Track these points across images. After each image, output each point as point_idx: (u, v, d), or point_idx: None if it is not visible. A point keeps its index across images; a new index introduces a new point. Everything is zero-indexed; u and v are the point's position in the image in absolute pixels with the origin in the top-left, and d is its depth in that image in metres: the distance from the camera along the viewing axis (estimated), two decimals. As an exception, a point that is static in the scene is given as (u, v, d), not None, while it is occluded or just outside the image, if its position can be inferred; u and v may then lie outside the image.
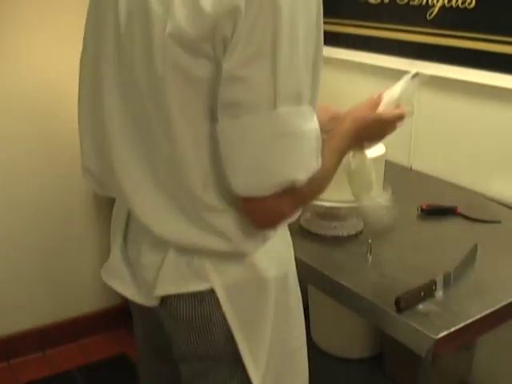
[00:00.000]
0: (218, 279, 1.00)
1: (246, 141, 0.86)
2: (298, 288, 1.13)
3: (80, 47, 1.11)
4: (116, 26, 0.97)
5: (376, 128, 1.18)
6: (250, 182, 0.89)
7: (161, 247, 1.02)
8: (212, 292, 1.01)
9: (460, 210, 1.63)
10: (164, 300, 1.05)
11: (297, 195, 0.92)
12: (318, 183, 0.96)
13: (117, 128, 1.01)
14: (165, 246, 1.02)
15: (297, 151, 0.88)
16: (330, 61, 2.24)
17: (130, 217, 1.12)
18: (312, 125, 0.90)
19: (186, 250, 1.00)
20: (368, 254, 1.36)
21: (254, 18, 0.82)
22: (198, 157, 0.93)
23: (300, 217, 1.53)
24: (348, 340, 2.23)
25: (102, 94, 1.03)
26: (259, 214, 0.93)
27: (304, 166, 0.89)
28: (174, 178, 0.96)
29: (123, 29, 0.95)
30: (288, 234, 1.12)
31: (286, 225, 1.08)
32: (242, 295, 1.02)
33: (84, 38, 1.12)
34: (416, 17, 1.86)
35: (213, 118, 0.90)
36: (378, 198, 1.31)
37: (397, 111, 1.21)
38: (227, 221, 0.96)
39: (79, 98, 1.14)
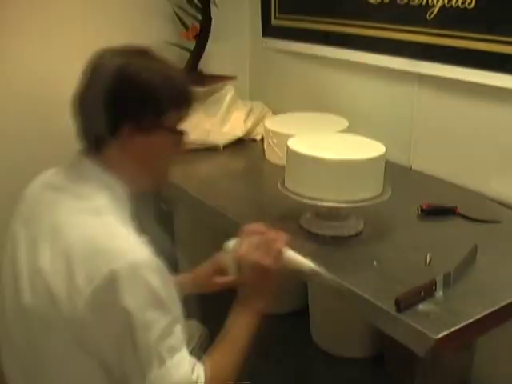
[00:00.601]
0: None
1: None
2: None
3: (80, 47, 1.11)
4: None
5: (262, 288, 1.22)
6: None
7: None
8: None
9: (460, 210, 1.63)
10: None
11: None
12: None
13: None
14: None
15: None
16: (330, 61, 2.24)
17: None
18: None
19: None
20: (374, 262, 1.35)
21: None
22: None
23: (300, 217, 1.54)
24: (348, 340, 2.23)
25: None
26: None
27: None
28: None
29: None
30: None
31: None
32: None
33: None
34: (416, 17, 1.86)
35: None
36: None
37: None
38: None
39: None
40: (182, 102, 1.17)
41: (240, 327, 1.18)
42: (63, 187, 1.14)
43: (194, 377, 1.05)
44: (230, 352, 1.15)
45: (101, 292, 0.98)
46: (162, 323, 1.01)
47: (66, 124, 2.39)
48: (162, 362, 1.01)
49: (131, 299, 0.98)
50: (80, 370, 1.05)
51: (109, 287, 0.98)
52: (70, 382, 1.07)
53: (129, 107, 1.11)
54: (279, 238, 1.22)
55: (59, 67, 2.24)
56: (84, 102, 1.15)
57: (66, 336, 1.03)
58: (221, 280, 1.35)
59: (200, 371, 1.06)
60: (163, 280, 1.03)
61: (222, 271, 1.34)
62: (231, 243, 1.27)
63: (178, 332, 1.04)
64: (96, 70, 1.14)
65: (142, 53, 1.16)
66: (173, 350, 1.03)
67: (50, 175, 1.21)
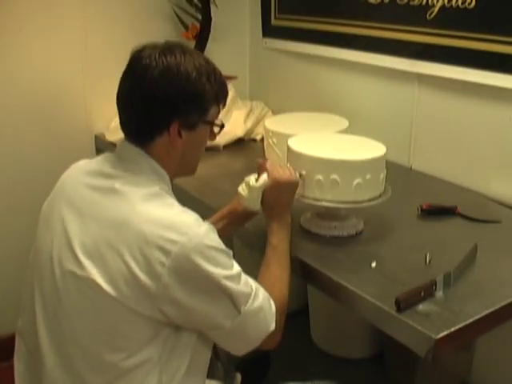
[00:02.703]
0: None
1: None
2: None
3: (79, 47, 1.12)
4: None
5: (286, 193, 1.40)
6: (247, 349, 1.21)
7: None
8: None
9: (460, 210, 1.63)
10: None
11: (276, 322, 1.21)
12: (282, 296, 1.26)
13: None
14: None
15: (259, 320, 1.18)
16: (330, 61, 2.24)
17: None
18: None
19: None
20: (373, 264, 1.35)
21: None
22: None
23: (300, 217, 1.54)
24: (348, 340, 2.23)
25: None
26: (260, 348, 1.21)
27: (268, 322, 1.19)
28: None
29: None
30: None
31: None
32: None
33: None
34: (416, 17, 1.86)
35: None
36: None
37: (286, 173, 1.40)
38: None
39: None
40: (222, 97, 1.25)
41: (284, 242, 1.35)
42: (117, 176, 1.18)
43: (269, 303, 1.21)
44: (285, 267, 1.31)
45: (180, 264, 1.07)
46: (235, 266, 1.15)
47: (67, 122, 2.40)
48: (249, 294, 1.15)
49: (209, 265, 1.09)
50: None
51: (185, 258, 1.07)
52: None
53: (178, 106, 1.17)
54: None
55: (60, 65, 2.24)
56: (133, 100, 1.18)
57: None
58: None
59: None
60: (218, 237, 1.15)
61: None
62: (251, 178, 1.40)
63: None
64: (145, 70, 1.16)
65: (183, 51, 1.19)
66: (248, 281, 1.17)
67: (96, 163, 1.25)
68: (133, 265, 1.07)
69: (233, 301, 1.12)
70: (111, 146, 2.23)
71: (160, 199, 1.15)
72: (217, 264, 1.10)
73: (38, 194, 2.31)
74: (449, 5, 1.76)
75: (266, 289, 1.21)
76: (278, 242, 1.34)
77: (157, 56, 1.16)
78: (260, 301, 1.17)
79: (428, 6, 1.82)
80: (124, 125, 1.23)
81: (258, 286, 1.19)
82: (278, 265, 1.31)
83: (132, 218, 1.10)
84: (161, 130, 1.18)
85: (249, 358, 1.28)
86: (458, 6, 1.74)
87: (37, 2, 2.17)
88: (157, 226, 1.08)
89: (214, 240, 1.12)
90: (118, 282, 1.08)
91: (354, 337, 2.21)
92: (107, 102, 2.48)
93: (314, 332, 2.25)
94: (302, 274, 1.38)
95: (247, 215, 1.46)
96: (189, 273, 1.08)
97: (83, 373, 1.14)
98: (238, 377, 1.56)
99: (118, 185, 1.15)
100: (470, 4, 1.71)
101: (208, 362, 1.27)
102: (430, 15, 1.82)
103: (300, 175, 1.41)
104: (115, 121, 2.29)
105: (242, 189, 1.41)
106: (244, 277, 1.16)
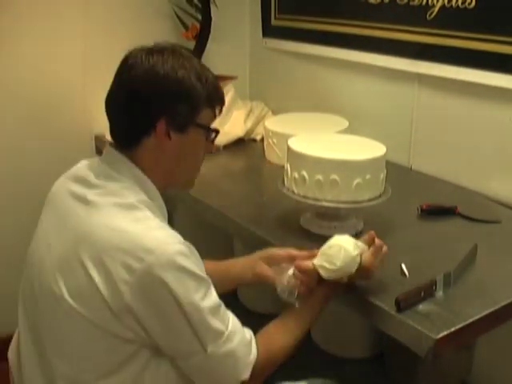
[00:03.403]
0: None
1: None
2: None
3: (80, 47, 1.11)
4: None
5: None
6: None
7: None
8: None
9: (460, 210, 1.63)
10: None
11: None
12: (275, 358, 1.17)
13: None
14: None
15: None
16: (330, 61, 2.24)
17: None
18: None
19: None
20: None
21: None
22: None
23: (300, 217, 1.54)
24: (348, 340, 2.23)
25: None
26: None
27: (238, 369, 1.10)
28: None
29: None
30: None
31: None
32: None
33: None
34: (416, 17, 1.86)
35: None
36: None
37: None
38: None
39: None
40: (215, 100, 1.20)
41: (317, 307, 1.24)
42: (96, 185, 1.13)
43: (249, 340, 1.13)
44: (305, 327, 1.23)
45: (144, 283, 1.01)
46: (211, 299, 1.06)
47: (67, 121, 2.40)
48: (220, 333, 1.07)
49: (176, 287, 1.01)
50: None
51: (150, 278, 1.01)
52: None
53: (164, 105, 1.12)
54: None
55: (61, 65, 2.24)
56: (119, 101, 1.16)
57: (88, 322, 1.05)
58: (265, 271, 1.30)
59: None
60: (196, 261, 1.08)
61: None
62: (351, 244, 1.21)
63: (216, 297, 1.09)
64: (129, 70, 1.14)
65: (173, 51, 1.17)
66: (225, 320, 1.08)
67: (83, 169, 1.20)
68: (97, 280, 1.02)
69: (197, 335, 1.04)
70: (111, 146, 2.23)
71: (132, 212, 1.08)
72: (186, 289, 1.02)
73: (38, 193, 2.31)
74: (449, 5, 1.76)
75: (271, 334, 1.17)
76: (314, 303, 1.24)
77: (143, 56, 1.14)
78: (233, 345, 1.08)
79: (428, 6, 1.82)
80: (111, 130, 1.19)
81: (239, 329, 1.11)
82: (297, 320, 1.22)
83: (98, 231, 1.05)
84: (147, 130, 1.13)
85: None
86: (457, 6, 1.74)
87: (38, 1, 2.17)
88: (123, 242, 1.03)
89: (189, 262, 1.04)
90: (83, 297, 1.04)
91: (354, 337, 2.21)
92: (107, 102, 2.48)
93: (314, 332, 2.25)
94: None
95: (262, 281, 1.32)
96: (153, 294, 1.02)
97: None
98: None
99: (91, 195, 1.11)
100: (469, 4, 1.71)
101: None
102: (429, 15, 1.82)
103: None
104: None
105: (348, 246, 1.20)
106: (223, 313, 1.08)
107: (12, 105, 2.21)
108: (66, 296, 1.05)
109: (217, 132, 1.22)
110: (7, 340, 1.31)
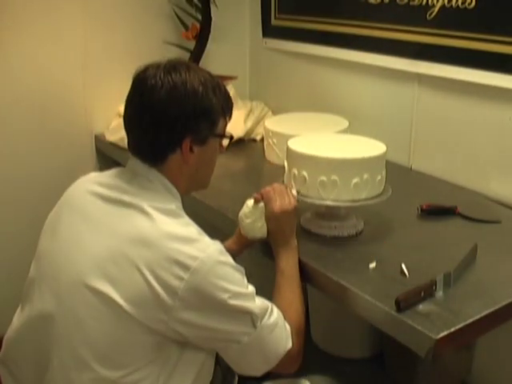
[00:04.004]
0: None
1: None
2: None
3: (80, 47, 1.11)
4: None
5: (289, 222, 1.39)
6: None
7: None
8: None
9: (460, 210, 1.63)
10: None
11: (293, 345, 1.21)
12: (299, 320, 1.27)
13: None
14: None
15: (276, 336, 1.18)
16: (330, 61, 2.24)
17: None
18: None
19: None
20: (371, 265, 1.35)
21: None
22: None
23: (300, 217, 1.54)
24: (348, 340, 2.23)
25: None
26: (280, 370, 1.23)
27: (284, 338, 1.19)
28: None
29: None
30: None
31: None
32: None
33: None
34: (416, 17, 1.86)
35: None
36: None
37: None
38: None
39: None
40: (228, 109, 1.26)
41: (291, 266, 1.34)
42: (131, 190, 1.18)
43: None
44: (296, 290, 1.31)
45: (197, 280, 1.07)
46: (250, 286, 1.16)
47: (67, 121, 2.39)
48: (266, 308, 1.17)
49: (226, 282, 1.10)
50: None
51: (205, 274, 1.08)
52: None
53: (188, 123, 1.18)
54: (281, 186, 1.42)
55: (61, 65, 2.24)
56: (142, 121, 1.18)
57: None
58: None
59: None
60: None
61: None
62: (249, 204, 1.40)
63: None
64: (152, 92, 1.16)
65: (187, 67, 1.20)
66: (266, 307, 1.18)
67: (107, 176, 1.26)
68: (151, 280, 1.07)
69: (250, 317, 1.13)
70: (111, 146, 2.23)
71: (179, 218, 1.16)
72: (234, 281, 1.12)
73: (38, 193, 2.32)
74: (449, 5, 1.76)
75: (281, 309, 1.22)
76: (286, 266, 1.34)
77: (162, 75, 1.16)
78: (276, 316, 1.18)
79: (428, 6, 1.82)
80: (134, 146, 1.23)
81: (272, 303, 1.20)
82: (288, 289, 1.31)
83: (152, 235, 1.10)
84: (173, 148, 1.19)
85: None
86: (457, 6, 1.74)
87: (38, 1, 2.17)
88: (177, 242, 1.09)
89: (228, 258, 1.14)
90: (134, 297, 1.08)
91: (354, 337, 2.21)
92: (107, 102, 2.50)
93: (314, 332, 2.25)
94: (302, 274, 1.38)
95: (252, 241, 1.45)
96: (207, 289, 1.08)
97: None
98: (236, 380, 1.55)
99: (135, 200, 1.15)
100: (469, 4, 1.71)
101: (211, 376, 1.27)
102: (429, 15, 1.82)
103: (298, 192, 1.42)
104: (115, 121, 2.29)
105: (244, 216, 1.40)
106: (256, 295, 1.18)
107: (11, 105, 2.21)
108: (113, 294, 1.08)
109: (230, 137, 1.31)
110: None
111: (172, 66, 1.18)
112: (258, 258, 1.48)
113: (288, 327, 1.21)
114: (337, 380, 1.48)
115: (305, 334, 1.28)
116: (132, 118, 1.21)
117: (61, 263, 1.17)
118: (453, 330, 1.11)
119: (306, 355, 1.28)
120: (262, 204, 1.38)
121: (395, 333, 1.17)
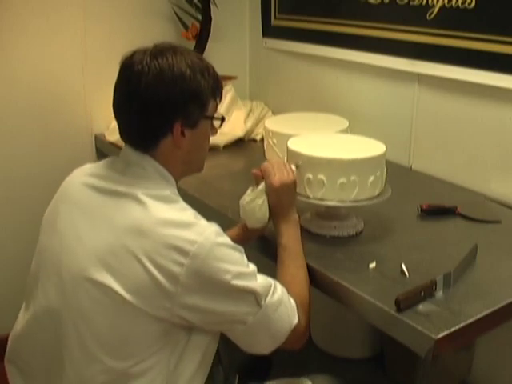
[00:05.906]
0: None
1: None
2: None
3: (80, 47, 1.11)
4: None
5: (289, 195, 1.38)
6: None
7: None
8: None
9: (460, 209, 1.63)
10: None
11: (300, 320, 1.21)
12: (305, 294, 1.28)
13: None
14: None
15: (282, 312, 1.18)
16: (330, 61, 2.24)
17: None
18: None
19: None
20: (370, 265, 1.35)
21: None
22: None
23: (300, 217, 1.54)
24: (348, 340, 2.23)
25: None
26: (289, 346, 1.21)
27: (290, 315, 1.19)
28: None
29: None
30: None
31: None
32: None
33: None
34: (416, 17, 1.86)
35: None
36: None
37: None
38: None
39: None
40: (218, 90, 1.25)
41: (293, 240, 1.34)
42: (125, 180, 1.17)
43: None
44: (299, 263, 1.32)
45: (197, 263, 1.07)
46: (251, 264, 1.16)
47: (67, 122, 2.40)
48: (269, 286, 1.16)
49: (226, 263, 1.10)
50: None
51: (205, 257, 1.08)
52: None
53: (178, 107, 1.17)
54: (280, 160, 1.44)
55: (61, 66, 2.24)
56: (131, 108, 1.17)
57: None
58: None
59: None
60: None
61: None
62: (249, 191, 1.38)
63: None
64: (139, 77, 1.15)
65: (173, 50, 1.19)
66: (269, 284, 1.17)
67: (100, 167, 1.25)
68: (151, 269, 1.06)
69: (253, 296, 1.12)
70: (111, 146, 2.23)
71: (174, 203, 1.16)
72: (234, 262, 1.11)
73: (38, 193, 2.32)
74: (449, 5, 1.76)
75: (285, 283, 1.22)
76: (288, 240, 1.34)
77: (148, 60, 1.15)
78: (279, 293, 1.17)
79: (428, 6, 1.82)
80: (125, 133, 1.22)
81: (275, 280, 1.20)
82: (292, 263, 1.31)
83: (148, 223, 1.09)
84: (164, 133, 1.18)
85: (249, 361, 1.27)
86: (457, 6, 1.74)
87: (38, 2, 2.17)
88: (173, 228, 1.09)
89: (226, 239, 1.14)
90: (136, 287, 1.07)
91: (353, 337, 2.21)
92: (107, 102, 2.48)
93: (314, 332, 2.25)
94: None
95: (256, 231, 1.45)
96: (207, 272, 1.08)
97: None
98: (237, 380, 1.55)
99: (130, 190, 1.15)
100: (469, 4, 1.71)
101: (212, 359, 1.26)
102: (429, 15, 1.82)
103: (296, 166, 1.41)
104: (115, 121, 2.28)
105: (244, 198, 1.39)
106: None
107: (12, 105, 2.21)
108: (115, 286, 1.08)
109: (223, 119, 1.28)
110: (6, 340, 1.31)
111: (159, 51, 1.17)
112: (257, 258, 1.48)
113: (293, 302, 1.20)
114: (337, 380, 1.47)
115: (310, 307, 1.27)
116: (121, 104, 1.20)
117: (61, 258, 1.17)
118: (453, 330, 1.11)
119: (305, 355, 1.28)
120: (262, 185, 1.37)
121: (395, 333, 1.18)
